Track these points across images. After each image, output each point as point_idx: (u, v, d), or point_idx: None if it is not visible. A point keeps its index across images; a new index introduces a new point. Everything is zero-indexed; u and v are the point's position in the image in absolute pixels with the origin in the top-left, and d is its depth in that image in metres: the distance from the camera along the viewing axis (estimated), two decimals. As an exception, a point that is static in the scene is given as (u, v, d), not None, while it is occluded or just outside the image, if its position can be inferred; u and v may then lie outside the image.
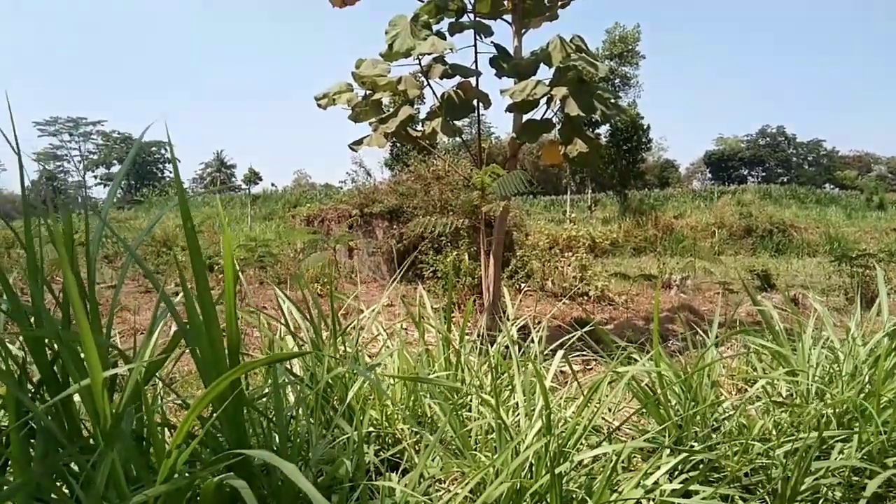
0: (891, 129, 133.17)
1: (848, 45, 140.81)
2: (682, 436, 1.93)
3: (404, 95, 5.71)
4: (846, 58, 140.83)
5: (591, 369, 4.44)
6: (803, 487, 1.91)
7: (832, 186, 54.61)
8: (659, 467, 1.68)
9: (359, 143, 6.17)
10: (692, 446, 1.87)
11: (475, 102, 5.92)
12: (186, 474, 1.16)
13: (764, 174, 71.40)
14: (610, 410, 2.39)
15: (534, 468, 1.47)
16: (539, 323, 9.23)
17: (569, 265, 11.96)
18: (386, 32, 5.73)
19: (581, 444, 1.71)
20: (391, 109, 6.33)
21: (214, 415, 1.28)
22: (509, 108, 5.69)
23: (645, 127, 27.85)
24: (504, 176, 4.97)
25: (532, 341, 2.57)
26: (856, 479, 1.98)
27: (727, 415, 2.13)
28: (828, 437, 1.96)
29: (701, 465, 1.90)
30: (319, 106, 6.20)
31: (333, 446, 1.69)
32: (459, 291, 9.72)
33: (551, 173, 45.83)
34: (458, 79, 5.99)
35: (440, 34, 5.87)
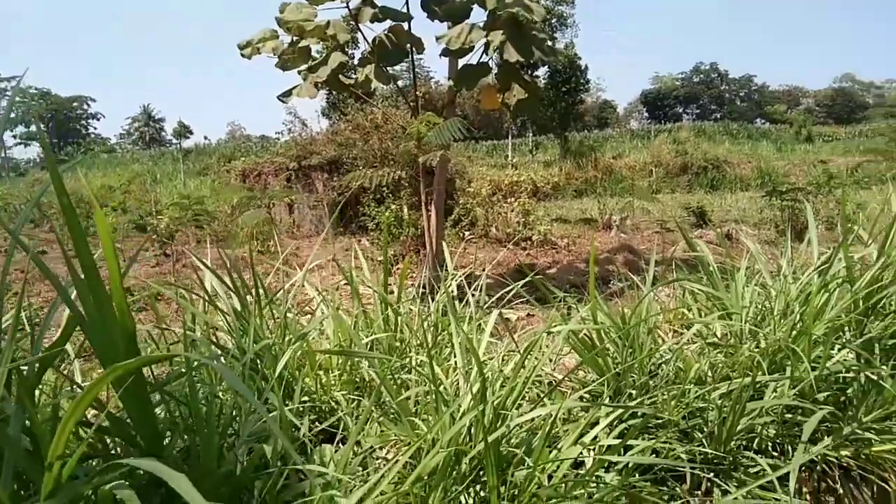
0: (817, 62, 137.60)
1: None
2: (620, 385, 1.93)
3: (334, 41, 5.44)
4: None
5: (533, 316, 4.47)
6: (739, 428, 1.95)
7: (763, 121, 56.32)
8: (598, 421, 1.68)
9: (288, 94, 5.89)
10: (631, 394, 1.88)
11: (409, 47, 5.71)
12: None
13: (698, 111, 72.98)
14: (552, 362, 2.38)
15: (472, 432, 1.43)
16: (483, 270, 9.23)
17: (512, 211, 12.00)
18: (310, -26, 5.41)
19: (520, 402, 1.68)
20: (322, 57, 6.04)
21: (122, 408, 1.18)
22: (444, 53, 5.51)
23: (583, 68, 27.83)
24: (440, 124, 4.84)
25: (473, 292, 2.52)
26: (789, 416, 2.04)
27: (664, 360, 2.15)
28: (764, 377, 2.00)
29: (639, 414, 1.91)
30: (243, 55, 5.85)
31: (266, 422, 1.61)
32: (404, 243, 9.64)
33: (493, 117, 45.54)
34: (389, 23, 5.75)
35: (369, -25, 5.59)
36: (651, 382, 2.11)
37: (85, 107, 76.46)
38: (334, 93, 24.69)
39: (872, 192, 11.57)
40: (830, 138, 39.29)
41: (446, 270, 2.71)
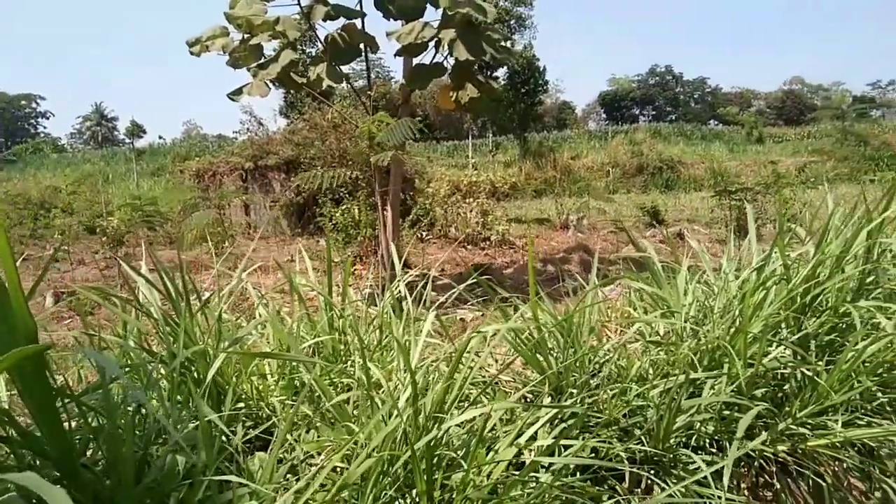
0: (768, 65, 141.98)
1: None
2: (562, 384, 1.93)
3: (284, 38, 5.34)
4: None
5: (484, 315, 4.46)
6: (677, 425, 1.97)
7: (716, 123, 57.75)
8: (537, 421, 1.67)
9: (239, 92, 5.77)
10: (571, 393, 1.88)
11: (362, 46, 5.65)
12: None
13: (654, 113, 74.42)
14: (497, 361, 2.37)
15: (408, 435, 1.40)
16: (443, 271, 9.17)
17: (471, 211, 12.03)
18: (260, -30, 5.30)
19: (462, 403, 1.66)
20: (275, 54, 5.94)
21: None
22: (398, 53, 5.48)
23: (541, 69, 28.09)
24: (391, 124, 4.80)
25: (430, 292, 2.49)
26: (727, 412, 2.07)
27: (606, 358, 2.16)
28: (699, 374, 2.03)
29: (579, 414, 1.91)
30: (192, 53, 5.71)
31: (198, 429, 1.56)
32: (361, 243, 9.56)
33: (454, 118, 45.61)
34: (343, 21, 5.68)
35: (321, -28, 5.51)
36: (593, 381, 2.12)
37: (34, 105, 73.87)
38: (292, 92, 24.36)
39: (820, 191, 11.98)
40: (781, 139, 40.52)
41: (400, 269, 2.68)
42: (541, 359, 1.93)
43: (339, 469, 1.53)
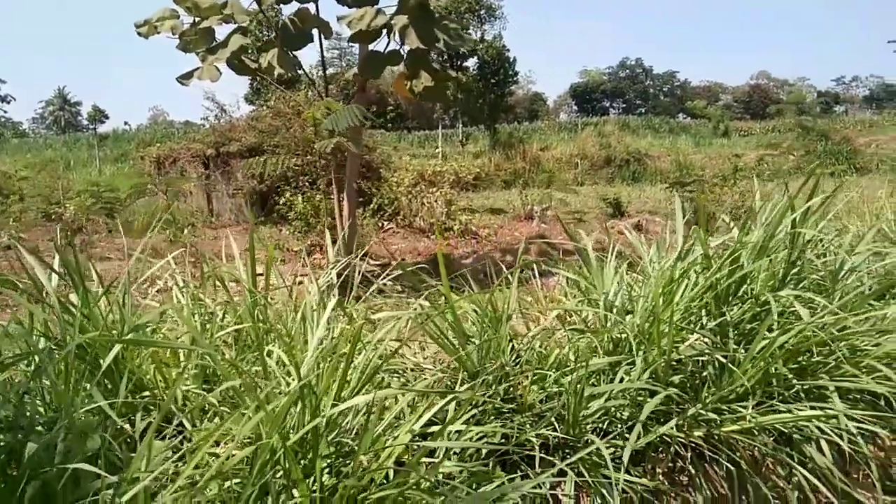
0: (735, 60, 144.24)
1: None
2: (478, 371, 1.93)
3: (233, 21, 5.23)
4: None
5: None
6: (590, 411, 1.98)
7: (684, 116, 58.52)
8: (447, 407, 1.67)
9: (189, 76, 5.64)
10: (486, 380, 1.88)
11: (315, 32, 5.57)
12: None
13: (624, 105, 75.12)
14: (423, 349, 2.36)
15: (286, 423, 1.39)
16: (404, 261, 9.15)
17: (435, 201, 12.00)
18: (208, -49, 5.17)
19: (365, 390, 1.64)
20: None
21: None
22: (351, 39, 5.41)
23: (511, 60, 28.09)
24: (337, 111, 4.74)
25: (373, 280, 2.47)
26: (641, 398, 2.09)
27: (529, 346, 2.17)
28: (617, 361, 2.05)
29: (495, 400, 1.92)
30: (140, 34, 5.56)
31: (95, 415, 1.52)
32: (321, 232, 9.46)
33: (425, 108, 45.40)
34: (296, 6, 5.59)
35: (273, -45, 5.40)
36: (516, 367, 2.13)
37: (-9, 89, 71.43)
38: (258, 78, 23.99)
39: (778, 184, 12.21)
40: (746, 133, 41.23)
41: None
42: (457, 348, 1.93)
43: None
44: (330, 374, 1.41)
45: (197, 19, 5.58)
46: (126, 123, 54.19)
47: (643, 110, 66.45)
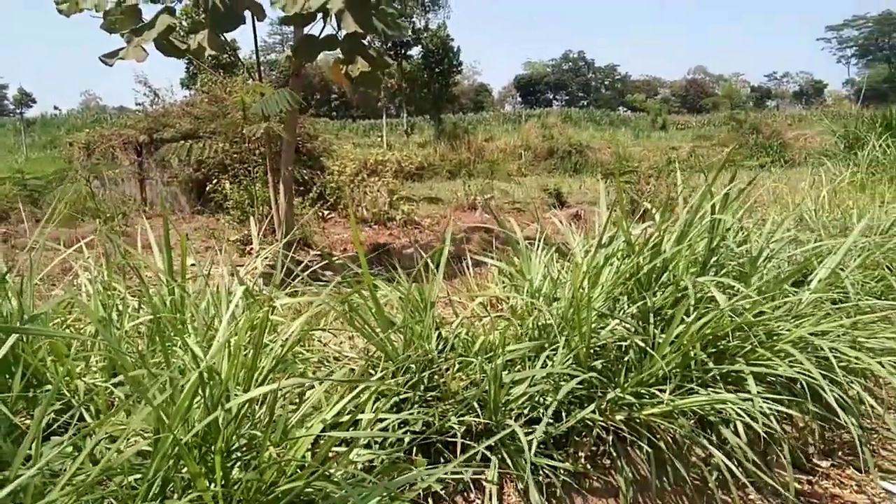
0: (673, 55, 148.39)
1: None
2: (403, 359, 1.90)
3: (160, 1, 5.02)
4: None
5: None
6: (516, 395, 1.99)
7: (625, 109, 59.83)
8: (366, 395, 1.64)
9: (113, 55, 5.38)
10: (410, 368, 1.85)
11: (247, 14, 5.39)
12: None
13: (567, 98, 76.24)
14: (351, 339, 2.33)
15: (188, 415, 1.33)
16: (344, 251, 9.00)
17: (378, 190, 11.88)
18: (132, -74, 4.93)
19: (276, 378, 1.59)
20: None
21: None
22: (283, 21, 5.26)
23: (455, 49, 28.04)
24: (267, 95, 4.61)
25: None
26: (565, 384, 2.11)
27: (456, 333, 2.15)
28: (540, 346, 2.06)
29: (421, 388, 1.90)
30: (60, 12, 5.27)
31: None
32: (259, 221, 9.23)
33: (370, 96, 44.87)
34: (228, -14, 5.39)
35: (202, -68, 5.19)
36: (442, 355, 2.12)
37: None
38: (195, 62, 23.15)
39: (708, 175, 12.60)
40: (683, 126, 42.48)
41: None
42: (378, 336, 1.90)
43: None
44: (234, 360, 1.35)
45: (122, -2, 5.32)
46: (56, 108, 51.58)
47: (585, 103, 67.58)
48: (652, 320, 2.34)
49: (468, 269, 3.23)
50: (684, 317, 2.25)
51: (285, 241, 5.87)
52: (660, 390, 2.21)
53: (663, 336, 2.29)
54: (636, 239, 2.43)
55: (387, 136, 30.56)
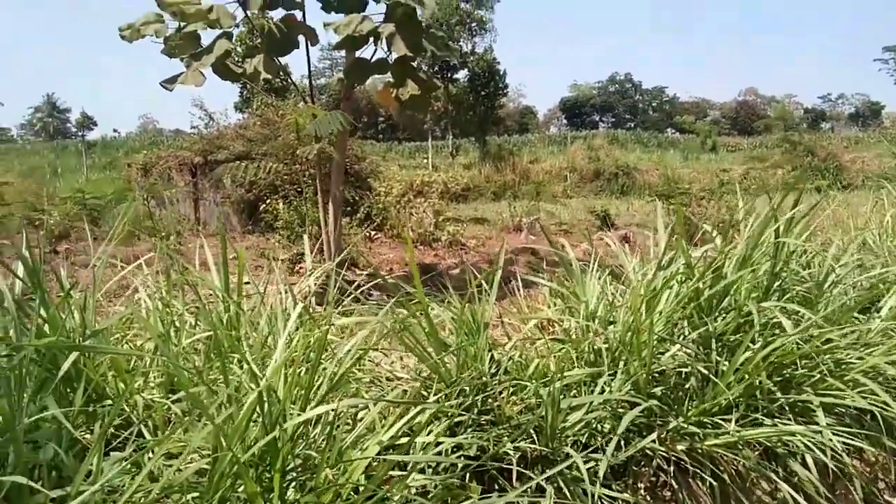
0: (723, 76, 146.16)
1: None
2: (456, 381, 1.87)
3: (218, 26, 5.19)
4: (686, 11, 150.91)
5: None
6: (573, 421, 1.93)
7: (673, 131, 59.04)
8: (423, 418, 1.61)
9: (172, 80, 5.58)
10: (464, 390, 1.82)
11: (301, 38, 5.53)
12: None
13: (614, 119, 75.68)
14: (402, 360, 2.30)
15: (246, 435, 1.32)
16: (390, 271, 9.06)
17: (423, 211, 11.97)
18: (194, -44, 5.13)
19: (333, 399, 1.58)
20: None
21: None
22: (337, 46, 5.38)
23: (501, 72, 28.23)
24: (320, 117, 4.70)
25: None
26: (622, 410, 2.04)
27: (508, 355, 2.11)
28: (598, 372, 2.00)
29: (475, 411, 1.86)
30: (123, 38, 5.51)
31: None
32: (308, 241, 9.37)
33: (417, 119, 45.49)
34: (283, 12, 5.56)
35: (260, -39, 5.37)
36: (495, 378, 2.07)
37: (-22, 95, 70.97)
38: (248, 87, 23.90)
39: (763, 197, 12.25)
40: (734, 149, 41.64)
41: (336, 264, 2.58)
42: (433, 354, 1.87)
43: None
44: (294, 380, 1.34)
45: (182, 24, 5.53)
46: (115, 131, 53.93)
47: (632, 125, 66.99)
48: (714, 346, 2.25)
49: (518, 290, 3.19)
50: (749, 343, 2.15)
51: (334, 259, 5.94)
52: (723, 420, 2.11)
53: (727, 363, 2.20)
54: (696, 262, 2.35)
55: (432, 157, 30.86)
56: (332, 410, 1.27)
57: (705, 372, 2.10)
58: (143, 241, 11.24)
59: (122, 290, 3.14)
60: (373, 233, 11.02)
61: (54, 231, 12.01)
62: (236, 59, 5.86)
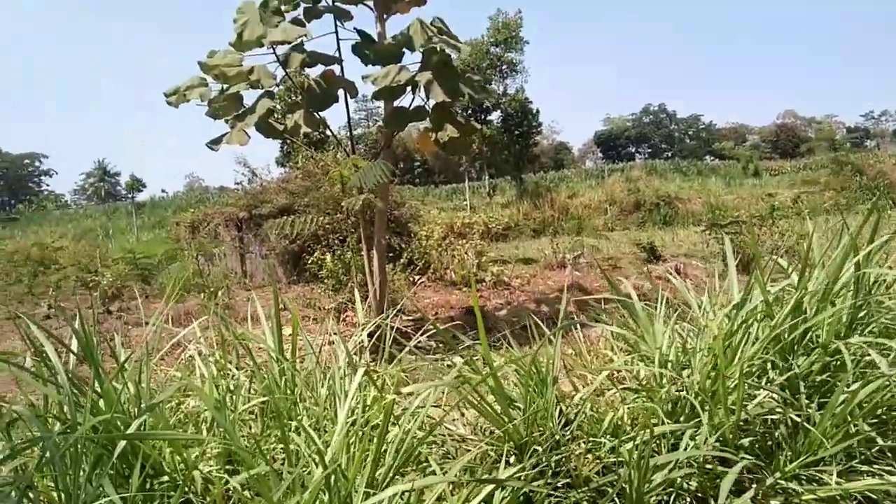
0: (760, 100, 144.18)
1: (718, 24, 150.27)
2: (525, 439, 1.75)
3: (260, 86, 5.30)
4: (717, 35, 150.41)
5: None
6: (657, 482, 1.78)
7: (712, 158, 58.13)
8: (493, 485, 1.49)
9: (218, 141, 5.70)
10: (536, 451, 1.69)
11: (340, 92, 5.61)
12: None
13: (650, 150, 75.10)
14: (463, 415, 2.19)
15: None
16: (436, 315, 8.93)
17: (466, 252, 11.88)
18: (234, 21, 5.28)
19: (404, 469, 1.48)
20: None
21: None
22: (375, 96, 5.42)
23: (534, 111, 28.37)
24: (363, 167, 4.71)
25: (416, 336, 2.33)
26: (710, 466, 1.87)
27: (578, 408, 1.98)
28: (671, 426, 1.84)
29: (549, 473, 1.73)
30: (169, 103, 5.67)
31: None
32: (352, 289, 9.37)
33: (452, 161, 45.99)
34: (322, 68, 5.65)
35: (298, 21, 5.50)
36: (566, 433, 1.93)
37: (37, 164, 75.01)
38: (288, 141, 24.56)
39: (817, 221, 11.82)
40: (777, 172, 40.69)
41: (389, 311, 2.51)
42: (500, 412, 1.75)
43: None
44: (361, 454, 1.25)
45: (224, 86, 5.67)
46: (163, 191, 56.12)
47: (669, 154, 66.31)
48: (802, 389, 2.07)
49: (575, 329, 3.06)
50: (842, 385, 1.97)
51: (381, 308, 5.86)
52: (818, 470, 1.93)
53: (816, 407, 2.02)
54: (773, 297, 2.19)
55: (470, 198, 30.98)
56: (405, 490, 1.17)
57: (797, 419, 1.92)
58: (192, 297, 11.46)
59: (175, 348, 3.11)
60: (416, 277, 10.97)
61: (107, 291, 12.32)
62: (277, 116, 5.97)
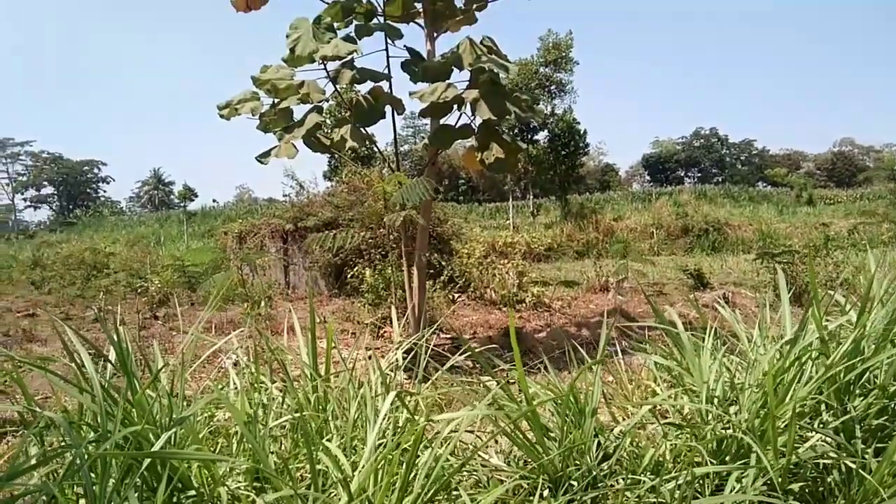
0: (815, 127, 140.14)
1: (773, 49, 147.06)
2: (561, 474, 1.68)
3: (309, 101, 5.39)
4: (772, 60, 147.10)
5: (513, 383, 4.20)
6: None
7: (764, 184, 56.65)
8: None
9: (266, 154, 5.80)
10: (571, 486, 1.62)
11: (388, 108, 5.65)
12: None
13: (699, 175, 73.64)
14: (497, 443, 2.13)
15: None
16: (475, 334, 8.84)
17: (507, 272, 11.79)
18: (287, 36, 5.40)
19: (436, 498, 1.43)
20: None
21: None
22: (422, 113, 5.44)
23: (582, 132, 28.20)
24: (406, 184, 4.72)
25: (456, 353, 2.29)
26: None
27: (617, 443, 1.89)
28: (717, 468, 1.75)
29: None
30: (222, 116, 5.81)
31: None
32: (392, 304, 9.39)
33: (496, 180, 46.03)
34: (371, 84, 5.72)
35: (349, 38, 5.59)
36: (603, 468, 1.85)
37: (96, 171, 78.18)
38: (336, 156, 24.99)
39: (874, 254, 11.30)
40: (832, 201, 39.38)
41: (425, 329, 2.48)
42: (534, 442, 1.69)
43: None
44: (389, 479, 1.21)
45: (275, 100, 5.78)
46: (214, 201, 57.71)
47: (720, 179, 64.91)
48: (858, 433, 1.95)
49: (617, 354, 2.96)
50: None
51: (419, 325, 5.83)
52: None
53: (872, 453, 1.89)
54: (829, 334, 2.07)
55: (513, 217, 30.87)
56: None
57: (852, 465, 1.80)
58: (235, 306, 11.68)
59: (216, 356, 3.13)
60: (456, 294, 10.93)
61: (155, 297, 12.67)
62: (325, 131, 6.05)
